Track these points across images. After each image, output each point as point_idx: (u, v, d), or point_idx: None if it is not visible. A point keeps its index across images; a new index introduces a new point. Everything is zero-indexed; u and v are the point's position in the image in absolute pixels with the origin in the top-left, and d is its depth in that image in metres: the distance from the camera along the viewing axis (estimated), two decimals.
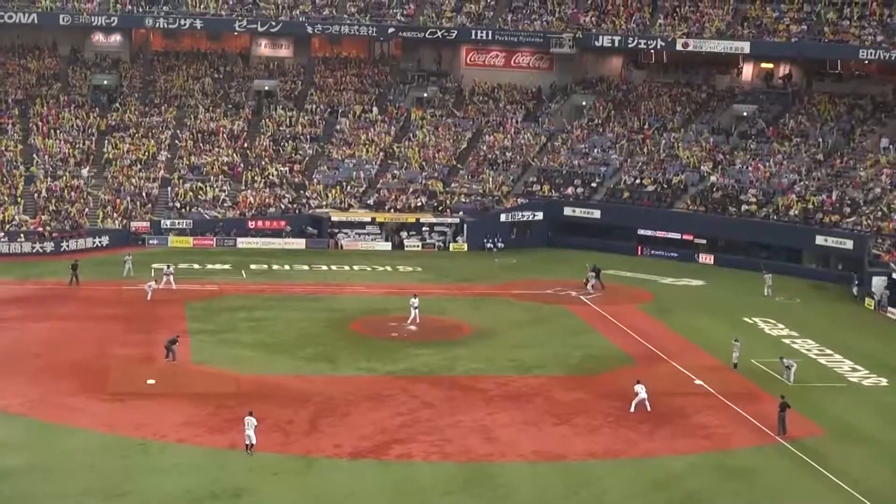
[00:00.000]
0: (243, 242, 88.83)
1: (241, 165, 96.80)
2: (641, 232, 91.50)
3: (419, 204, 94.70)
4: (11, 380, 51.61)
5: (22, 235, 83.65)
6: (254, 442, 43.40)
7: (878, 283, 76.11)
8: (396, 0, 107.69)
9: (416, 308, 66.03)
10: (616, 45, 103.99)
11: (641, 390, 50.43)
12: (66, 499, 38.90)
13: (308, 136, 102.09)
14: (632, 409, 50.15)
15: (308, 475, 41.74)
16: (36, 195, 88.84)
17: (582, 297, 75.29)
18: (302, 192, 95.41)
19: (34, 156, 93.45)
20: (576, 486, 40.63)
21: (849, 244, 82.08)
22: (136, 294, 69.68)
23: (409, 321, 65.80)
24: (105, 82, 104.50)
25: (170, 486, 40.19)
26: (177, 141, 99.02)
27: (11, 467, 41.38)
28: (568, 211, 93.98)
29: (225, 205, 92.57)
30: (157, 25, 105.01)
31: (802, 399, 53.45)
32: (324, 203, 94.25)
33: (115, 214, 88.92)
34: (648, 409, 50.18)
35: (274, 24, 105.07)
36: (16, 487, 39.68)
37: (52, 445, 44.07)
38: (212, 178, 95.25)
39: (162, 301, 68.62)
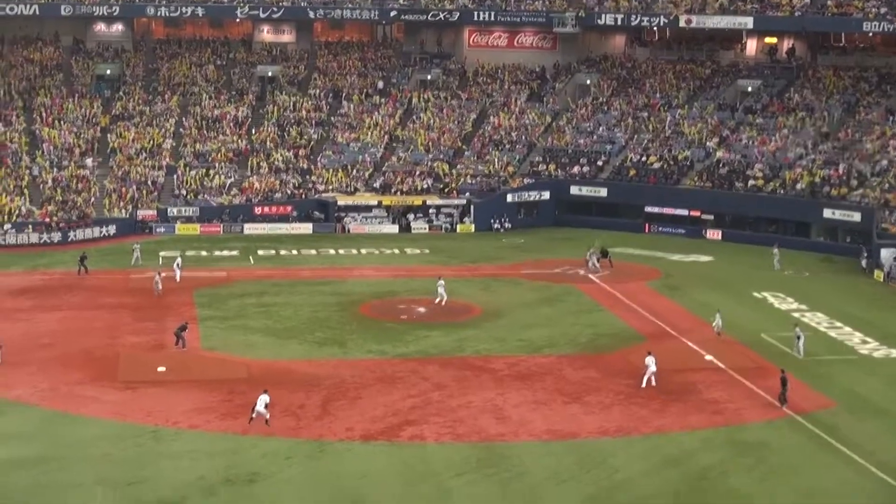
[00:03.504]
0: (250, 228, 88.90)
1: (248, 147, 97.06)
2: (648, 209, 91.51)
3: (425, 186, 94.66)
4: (22, 370, 51.67)
5: (29, 226, 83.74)
6: (262, 414, 43.76)
7: (886, 254, 76.04)
8: None
9: (443, 288, 66.19)
10: (619, 23, 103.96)
11: (651, 363, 50.42)
12: (81, 488, 38.97)
13: (312, 121, 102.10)
14: (643, 385, 50.23)
15: (321, 459, 41.77)
16: (42, 186, 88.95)
17: (590, 276, 75.29)
18: (307, 176, 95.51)
19: (39, 146, 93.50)
20: (589, 464, 40.63)
21: (857, 217, 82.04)
22: (145, 283, 69.69)
23: (437, 301, 65.91)
24: (108, 72, 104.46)
25: (183, 473, 40.23)
26: (181, 129, 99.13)
27: (25, 457, 41.45)
28: (574, 190, 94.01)
29: (231, 191, 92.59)
30: (158, 14, 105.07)
31: (813, 372, 53.53)
32: (330, 187, 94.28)
33: (121, 203, 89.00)
34: (654, 384, 50.25)
35: (276, 9, 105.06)
36: (30, 478, 39.77)
37: (65, 435, 44.13)
38: (217, 164, 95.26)
39: (171, 289, 68.71)
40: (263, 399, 43.97)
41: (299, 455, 42.25)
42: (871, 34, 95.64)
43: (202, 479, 39.77)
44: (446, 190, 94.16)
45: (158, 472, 40.49)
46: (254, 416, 44.04)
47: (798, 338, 56.78)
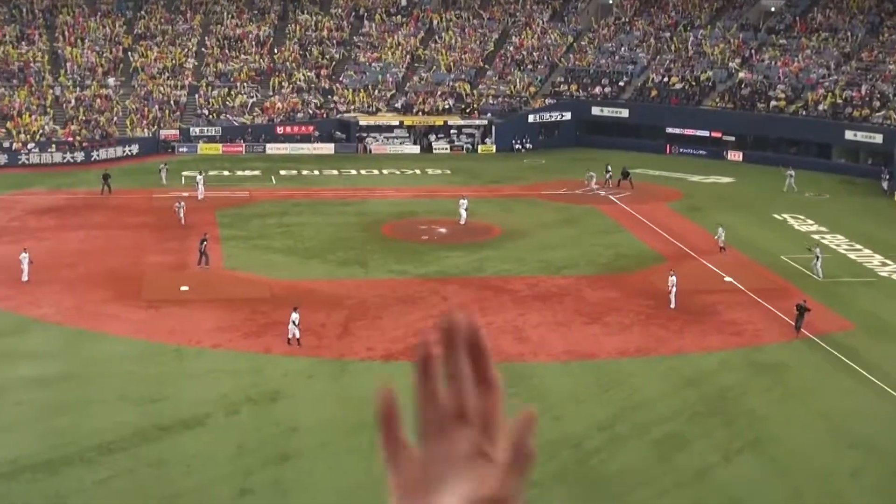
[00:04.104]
0: (272, 148, 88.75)
1: (270, 66, 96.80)
2: (669, 130, 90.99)
3: (447, 106, 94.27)
4: (47, 289, 51.96)
5: (52, 145, 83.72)
6: (296, 336, 44.29)
7: None
8: None
9: (465, 208, 66.13)
10: None
11: (672, 282, 50.59)
12: (105, 405, 39.34)
13: (334, 41, 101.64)
14: (671, 305, 50.25)
15: (341, 378, 42.06)
16: (65, 105, 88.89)
17: (611, 196, 75.13)
18: (329, 96, 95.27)
19: (62, 66, 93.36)
20: (608, 384, 40.86)
21: (878, 138, 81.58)
22: (168, 202, 69.72)
23: (458, 221, 65.82)
24: None
25: (205, 392, 40.59)
26: (203, 48, 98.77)
27: (50, 375, 41.84)
28: (596, 111, 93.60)
29: (253, 111, 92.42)
30: None
31: (832, 293, 53.54)
32: (351, 107, 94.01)
33: (143, 123, 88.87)
34: (673, 304, 50.31)
35: None
36: (55, 395, 40.11)
37: (89, 353, 44.50)
38: (239, 84, 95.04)
39: (193, 208, 68.74)
40: (294, 317, 44.53)
41: (321, 374, 42.57)
42: None
43: (225, 398, 40.15)
44: (468, 110, 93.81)
45: (181, 390, 40.87)
46: (290, 337, 44.54)
47: (817, 258, 56.76)
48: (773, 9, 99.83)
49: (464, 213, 65.94)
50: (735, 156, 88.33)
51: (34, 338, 46.21)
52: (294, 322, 44.61)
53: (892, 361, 44.95)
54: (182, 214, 63.59)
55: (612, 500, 33.42)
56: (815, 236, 64.55)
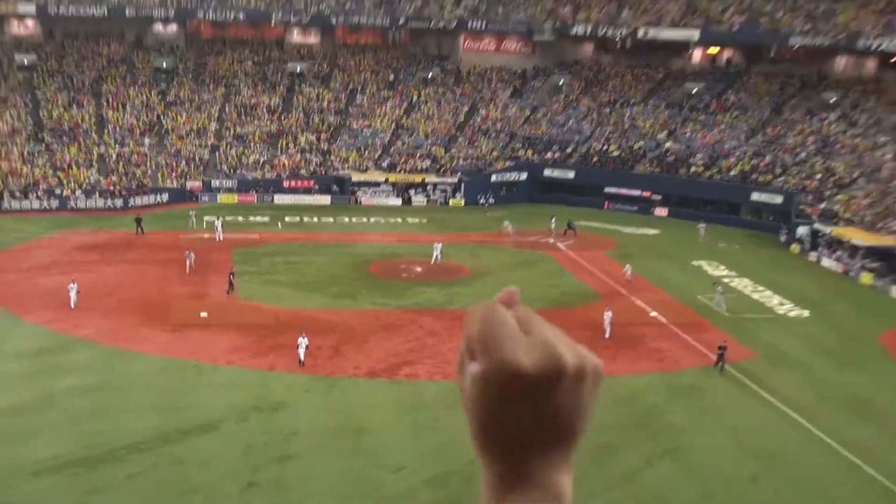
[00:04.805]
0: (279, 199, 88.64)
1: (279, 130, 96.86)
2: (608, 189, 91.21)
3: (424, 166, 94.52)
4: (90, 314, 51.96)
5: (96, 193, 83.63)
6: (303, 359, 44.81)
7: (802, 231, 76.32)
8: None
9: (439, 251, 66.43)
10: (588, 33, 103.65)
11: (607, 317, 51.09)
12: (136, 412, 39.32)
13: (332, 110, 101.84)
14: (606, 335, 50.53)
15: (332, 392, 42.16)
16: (107, 160, 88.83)
17: (558, 244, 75.44)
18: (327, 156, 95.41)
19: (106, 127, 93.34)
20: None
21: (779, 199, 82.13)
22: (192, 243, 69.73)
23: (433, 261, 65.97)
24: (164, 65, 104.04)
25: (219, 401, 40.63)
26: (224, 114, 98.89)
27: (90, 385, 41.86)
28: (547, 172, 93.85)
29: (264, 167, 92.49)
30: (207, 17, 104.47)
31: (739, 328, 53.91)
32: (345, 165, 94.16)
33: (172, 175, 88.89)
34: (607, 334, 50.57)
35: (304, 16, 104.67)
36: (93, 402, 40.09)
37: (122, 368, 44.50)
38: (253, 144, 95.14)
39: (213, 248, 68.79)
40: (302, 342, 45.00)
41: (315, 388, 42.65)
42: (795, 47, 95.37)
43: (235, 407, 40.21)
44: (442, 170, 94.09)
45: (199, 400, 40.86)
46: (302, 359, 44.89)
47: (719, 294, 57.48)
48: (694, 91, 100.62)
49: (438, 255, 66.19)
50: (661, 212, 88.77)
51: (77, 354, 46.16)
52: (303, 345, 45.01)
53: (789, 385, 45.37)
54: (190, 263, 61.92)
55: None
56: (726, 279, 64.95)
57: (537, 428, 2.05)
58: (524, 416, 2.03)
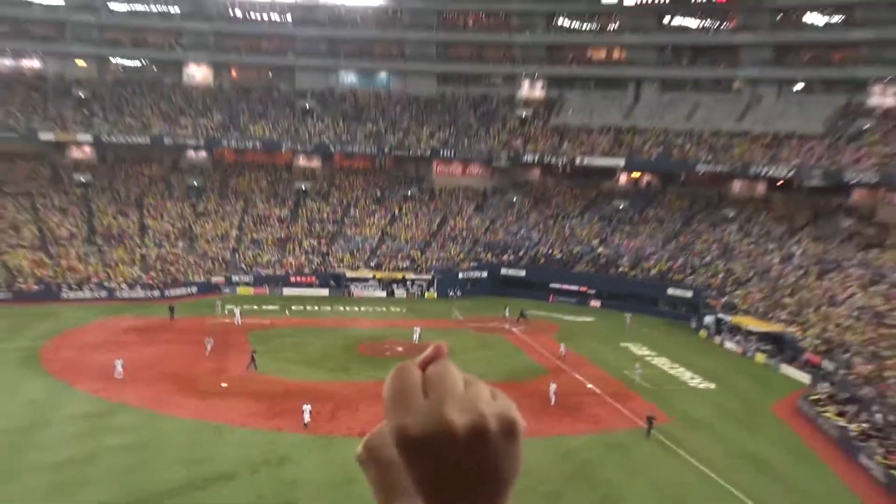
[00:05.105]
0: (287, 291, 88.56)
1: (287, 236, 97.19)
2: (552, 285, 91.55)
3: (405, 265, 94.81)
4: (131, 384, 51.68)
5: (138, 286, 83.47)
6: (307, 421, 44.64)
7: (708, 320, 76.83)
8: (390, 130, 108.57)
9: (418, 334, 66.57)
10: (536, 160, 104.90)
11: (552, 388, 51.27)
12: (169, 465, 39.03)
13: (331, 220, 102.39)
14: (552, 403, 50.60)
15: (330, 449, 41.91)
16: (148, 259, 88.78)
17: (513, 329, 75.70)
18: (326, 257, 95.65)
19: (147, 233, 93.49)
20: None
21: (689, 294, 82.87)
22: (217, 327, 69.57)
23: (415, 340, 65.97)
24: (195, 183, 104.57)
25: (236, 455, 40.36)
26: (242, 223, 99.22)
27: (131, 443, 41.52)
28: (504, 271, 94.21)
29: (275, 266, 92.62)
30: (230, 145, 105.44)
31: (659, 397, 54.12)
32: (341, 265, 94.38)
33: (200, 272, 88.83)
34: (553, 402, 50.67)
35: (308, 145, 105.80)
36: (134, 457, 39.71)
37: (159, 428, 44.17)
38: (266, 247, 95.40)
39: (233, 330, 68.68)
40: (307, 409, 44.98)
41: (315, 446, 42.43)
42: (701, 173, 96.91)
43: (249, 460, 39.94)
44: (418, 269, 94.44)
45: (219, 454, 40.56)
46: (306, 421, 44.94)
47: (637, 370, 58.23)
48: (621, 206, 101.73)
49: (417, 337, 66.27)
50: (595, 303, 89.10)
51: (122, 417, 45.81)
52: (307, 411, 44.89)
53: (700, 445, 45.49)
54: (209, 348, 60.88)
55: None
56: (648, 358, 65.33)
57: (443, 482, 1.84)
58: (427, 471, 1.84)
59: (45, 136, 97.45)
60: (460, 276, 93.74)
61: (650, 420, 46.99)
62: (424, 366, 2.01)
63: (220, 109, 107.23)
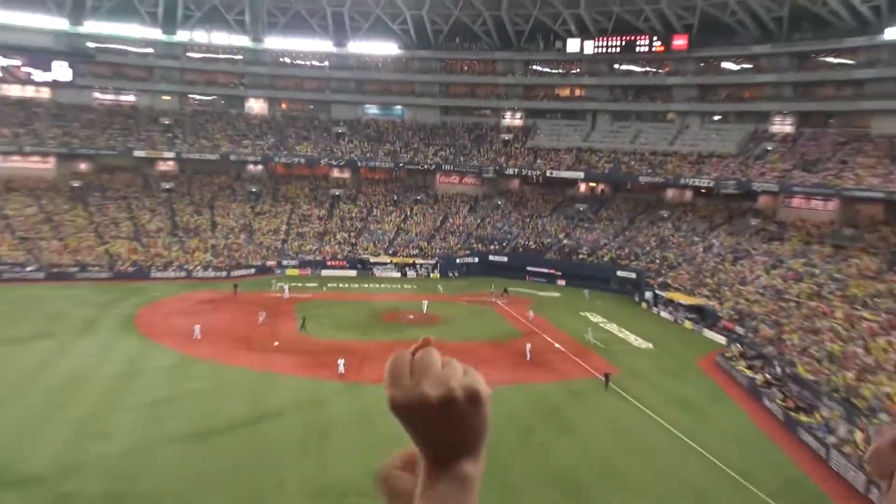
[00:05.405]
0: (324, 272, 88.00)
1: (324, 230, 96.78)
2: (529, 268, 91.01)
3: (415, 252, 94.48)
4: (205, 342, 51.49)
5: (210, 268, 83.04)
6: (342, 371, 44.02)
7: (648, 295, 76.49)
8: (403, 150, 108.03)
9: (426, 305, 66.38)
10: (516, 173, 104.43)
11: (528, 347, 50.98)
12: (233, 405, 38.86)
13: (358, 218, 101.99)
14: (527, 358, 50.39)
15: (356, 393, 41.72)
16: (217, 247, 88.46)
17: (498, 301, 75.45)
18: (355, 246, 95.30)
19: (216, 227, 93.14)
20: (495, 401, 40.57)
21: (633, 275, 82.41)
22: (270, 299, 69.33)
23: (424, 310, 65.59)
24: (254, 189, 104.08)
25: (285, 399, 40.19)
26: (290, 220, 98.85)
27: (201, 389, 41.31)
28: (491, 257, 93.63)
29: (315, 253, 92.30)
30: (280, 160, 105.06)
31: (610, 353, 53.89)
32: (366, 252, 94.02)
33: (258, 257, 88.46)
34: (528, 358, 50.47)
35: (341, 161, 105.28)
36: (204, 401, 39.53)
37: (224, 377, 43.99)
38: (308, 239, 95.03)
39: (282, 303, 68.48)
40: (342, 362, 44.56)
41: (346, 391, 42.24)
42: (644, 183, 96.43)
43: (295, 401, 39.79)
44: (425, 255, 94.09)
45: (271, 397, 40.39)
46: (340, 372, 44.38)
47: (590, 333, 58.04)
48: (581, 208, 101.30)
49: (425, 308, 66.00)
50: (561, 282, 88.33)
51: (197, 368, 45.60)
52: (341, 364, 44.66)
53: (642, 392, 45.24)
54: (262, 319, 60.15)
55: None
56: (601, 324, 65.11)
57: (428, 439, 1.90)
58: (415, 431, 1.90)
59: (139, 153, 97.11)
60: (458, 261, 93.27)
61: (607, 376, 46.85)
62: (415, 352, 2.05)
63: (273, 133, 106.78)
